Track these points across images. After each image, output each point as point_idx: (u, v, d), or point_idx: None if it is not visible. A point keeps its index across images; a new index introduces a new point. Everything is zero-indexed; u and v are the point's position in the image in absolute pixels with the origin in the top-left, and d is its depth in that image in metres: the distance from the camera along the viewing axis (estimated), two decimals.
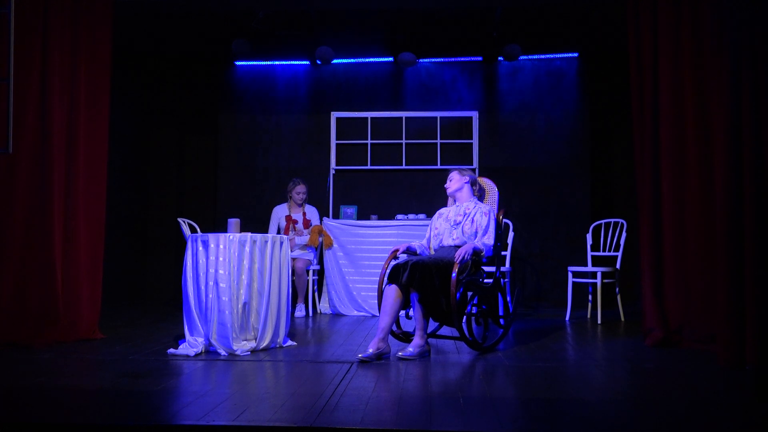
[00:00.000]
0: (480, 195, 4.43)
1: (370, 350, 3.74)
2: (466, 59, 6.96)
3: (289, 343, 4.24)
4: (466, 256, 3.93)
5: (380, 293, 3.98)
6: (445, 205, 4.51)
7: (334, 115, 6.98)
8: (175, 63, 7.28)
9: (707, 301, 4.04)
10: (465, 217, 4.21)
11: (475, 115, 6.88)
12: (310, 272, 6.20)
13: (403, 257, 4.17)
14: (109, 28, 4.69)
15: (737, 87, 3.65)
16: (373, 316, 5.92)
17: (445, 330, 4.55)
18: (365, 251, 6.23)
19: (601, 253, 5.91)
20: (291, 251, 6.04)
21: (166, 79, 7.32)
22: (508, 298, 5.21)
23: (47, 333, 4.18)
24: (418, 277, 3.80)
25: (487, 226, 4.15)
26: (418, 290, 3.82)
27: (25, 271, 4.20)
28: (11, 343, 4.06)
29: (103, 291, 4.67)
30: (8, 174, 4.19)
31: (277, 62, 7.10)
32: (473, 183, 4.35)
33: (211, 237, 3.98)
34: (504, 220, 4.99)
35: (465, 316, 4.04)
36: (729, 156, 3.64)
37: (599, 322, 5.47)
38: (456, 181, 4.32)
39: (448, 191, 4.37)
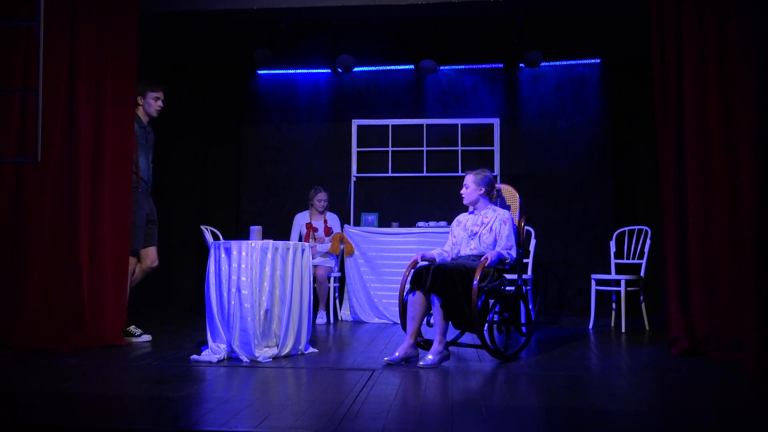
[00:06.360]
0: (497, 200, 4.39)
1: (397, 354, 3.81)
2: (487, 66, 6.95)
3: (311, 350, 4.25)
4: (492, 261, 3.92)
5: (401, 302, 4.00)
6: (466, 210, 4.49)
7: (355, 122, 7.01)
8: (198, 73, 7.36)
9: (735, 309, 3.96)
10: (483, 227, 4.18)
11: (496, 122, 6.86)
12: (331, 279, 6.22)
13: (422, 263, 4.16)
14: (135, 40, 4.76)
15: (763, 95, 3.59)
16: (394, 323, 5.91)
17: (467, 338, 4.53)
18: (386, 258, 6.23)
19: (624, 261, 5.84)
20: (312, 258, 6.06)
21: (189, 89, 7.40)
22: (531, 306, 5.17)
23: (73, 338, 4.23)
24: (441, 281, 3.81)
25: (508, 236, 4.12)
26: (440, 295, 3.82)
27: (51, 277, 4.26)
28: (38, 349, 4.12)
29: (128, 297, 4.73)
30: (37, 182, 4.26)
31: (298, 71, 7.15)
32: (488, 192, 4.29)
33: (234, 244, 4.01)
34: (526, 227, 4.96)
35: (486, 324, 4.02)
36: (756, 163, 3.58)
37: (623, 330, 5.40)
38: (472, 191, 4.26)
39: (464, 202, 4.33)
